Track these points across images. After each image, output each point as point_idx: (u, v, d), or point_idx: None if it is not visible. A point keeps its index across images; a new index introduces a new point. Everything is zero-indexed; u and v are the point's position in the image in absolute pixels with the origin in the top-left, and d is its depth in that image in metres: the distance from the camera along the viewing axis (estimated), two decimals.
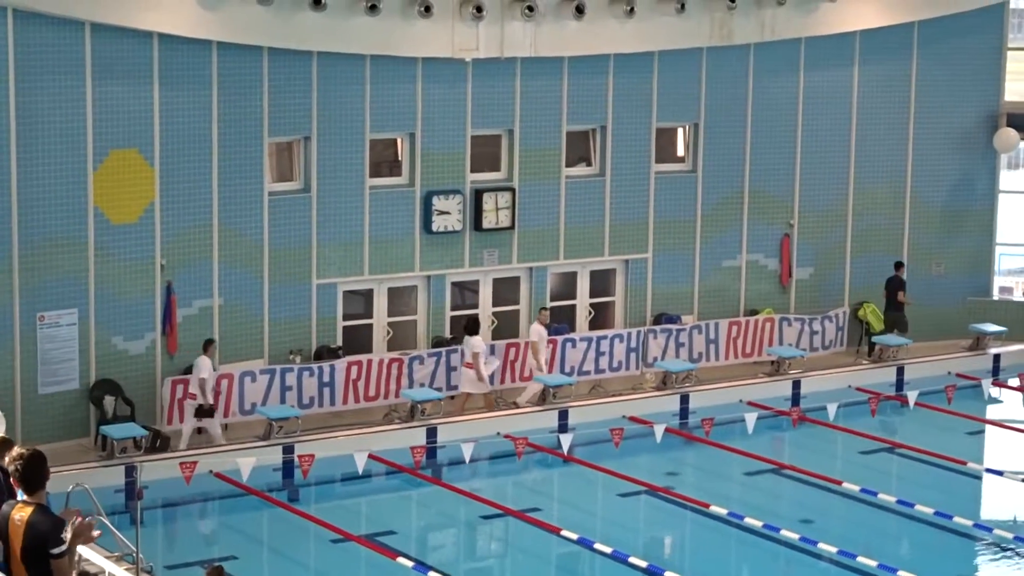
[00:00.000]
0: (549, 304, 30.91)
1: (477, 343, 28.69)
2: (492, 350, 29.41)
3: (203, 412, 26.30)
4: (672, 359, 31.11)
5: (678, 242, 32.26)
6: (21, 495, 11.53)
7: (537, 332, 29.46)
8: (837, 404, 28.31)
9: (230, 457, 24.72)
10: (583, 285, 31.78)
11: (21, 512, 11.04)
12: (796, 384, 30.79)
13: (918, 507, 23.96)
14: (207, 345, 26.75)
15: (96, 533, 12.29)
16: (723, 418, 27.63)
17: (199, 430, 26.36)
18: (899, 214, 34.42)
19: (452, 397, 28.72)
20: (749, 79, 32.48)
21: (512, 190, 30.29)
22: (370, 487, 25.74)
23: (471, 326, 29.02)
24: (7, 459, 11.81)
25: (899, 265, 34.02)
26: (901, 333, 33.19)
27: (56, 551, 10.90)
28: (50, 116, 25.42)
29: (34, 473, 11.25)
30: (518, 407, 28.93)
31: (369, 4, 27.50)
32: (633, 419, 27.91)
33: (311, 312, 28.66)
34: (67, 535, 10.99)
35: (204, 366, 26.39)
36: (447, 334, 29.91)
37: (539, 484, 26.28)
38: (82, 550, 16.02)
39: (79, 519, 11.85)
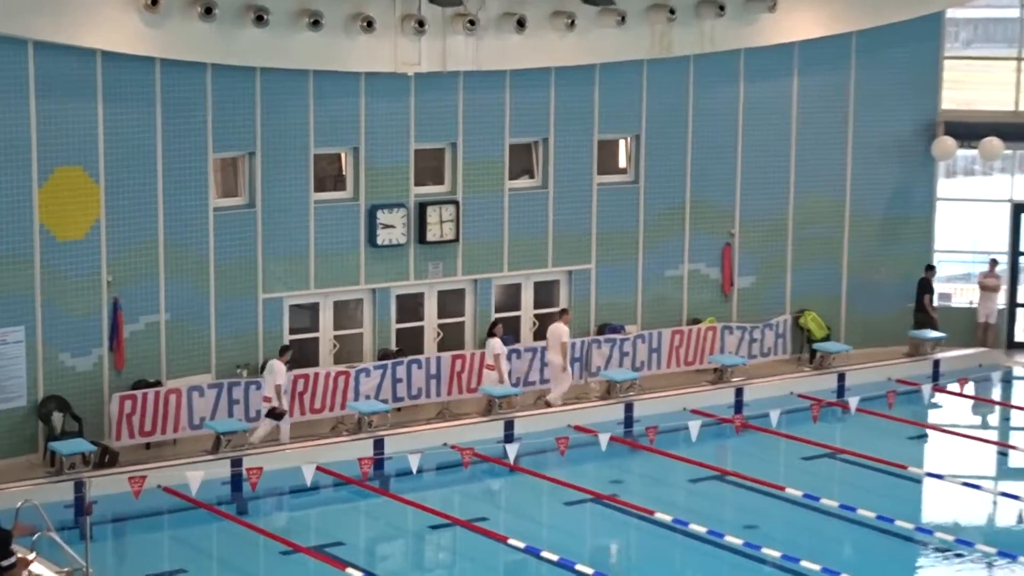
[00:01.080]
0: (495, 315, 31.11)
1: (497, 345, 29.31)
2: (437, 364, 29.57)
3: (275, 415, 26.96)
4: (616, 368, 31.28)
5: (621, 253, 32.40)
6: None
7: (564, 332, 30.04)
8: (779, 411, 28.54)
9: (179, 471, 24.77)
10: (527, 296, 31.90)
11: None
12: (739, 392, 31.03)
13: (860, 511, 24.13)
14: (283, 351, 27.45)
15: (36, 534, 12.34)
16: (667, 426, 27.81)
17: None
18: (839, 223, 34.65)
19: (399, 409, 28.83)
20: (690, 90, 32.66)
21: (456, 203, 30.41)
22: (318, 499, 25.77)
23: (491, 329, 29.84)
24: None
25: (929, 268, 34.52)
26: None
27: (5, 563, 10.99)
28: None
29: None
30: (550, 406, 29.74)
31: (312, 20, 27.58)
32: (578, 428, 28.05)
33: (258, 326, 28.70)
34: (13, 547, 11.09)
35: (280, 371, 27.11)
36: (393, 346, 30.00)
37: (486, 494, 26.38)
38: (33, 567, 16.11)
39: (24, 527, 11.93)
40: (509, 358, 30.00)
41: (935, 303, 34.75)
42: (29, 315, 26.10)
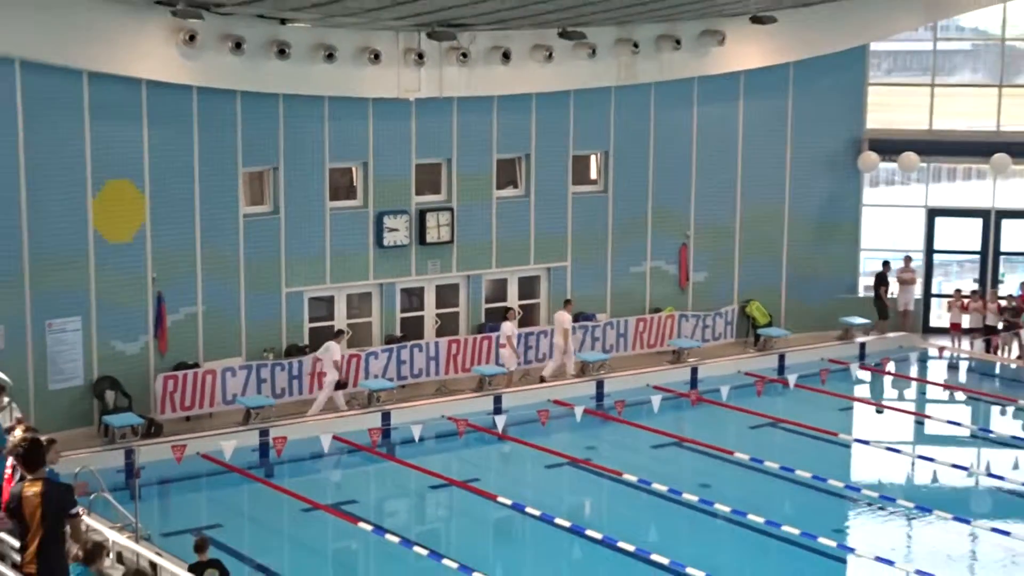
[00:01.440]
0: (485, 305, 31.12)
1: (508, 328, 29.81)
2: (435, 348, 29.55)
3: (341, 385, 27.47)
4: (589, 351, 31.27)
5: (592, 252, 32.36)
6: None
7: (567, 319, 30.41)
8: (728, 386, 28.58)
9: (214, 440, 24.75)
10: (513, 290, 31.84)
11: (33, 488, 11.07)
12: (694, 370, 31.01)
13: (798, 472, 24.18)
14: (339, 334, 28.34)
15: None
16: (633, 400, 27.82)
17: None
18: (779, 226, 34.63)
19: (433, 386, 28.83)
20: (651, 113, 32.62)
21: (451, 210, 30.35)
22: (334, 464, 25.75)
23: (506, 314, 30.39)
24: (14, 444, 11.80)
25: (885, 264, 34.80)
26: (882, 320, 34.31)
27: (73, 511, 10.99)
28: (54, 151, 25.32)
29: (34, 455, 11.28)
30: (544, 381, 29.93)
31: (327, 53, 27.57)
32: (557, 402, 28.02)
33: (281, 316, 28.64)
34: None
35: (336, 350, 27.65)
36: (397, 332, 29.96)
37: (478, 458, 26.30)
38: (89, 521, 16.07)
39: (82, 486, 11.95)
40: (496, 342, 30.08)
41: (891, 294, 34.95)
42: (85, 307, 26.05)
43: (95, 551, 13.48)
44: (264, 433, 25.70)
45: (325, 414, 27.17)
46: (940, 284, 36.44)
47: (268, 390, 27.60)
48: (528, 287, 32.08)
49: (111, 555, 16.57)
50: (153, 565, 16.07)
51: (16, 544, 12.30)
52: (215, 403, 27.17)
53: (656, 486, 23.52)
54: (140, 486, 20.47)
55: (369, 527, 21.90)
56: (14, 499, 11.20)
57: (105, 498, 18.98)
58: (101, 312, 26.26)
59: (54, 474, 12.89)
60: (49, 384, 25.63)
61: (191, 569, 16.45)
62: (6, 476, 14.83)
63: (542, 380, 29.85)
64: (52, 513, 10.90)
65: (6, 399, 18.18)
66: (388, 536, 21.42)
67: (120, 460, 23.93)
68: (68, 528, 11.11)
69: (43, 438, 12.18)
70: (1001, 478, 24.45)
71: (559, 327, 30.49)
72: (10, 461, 14.27)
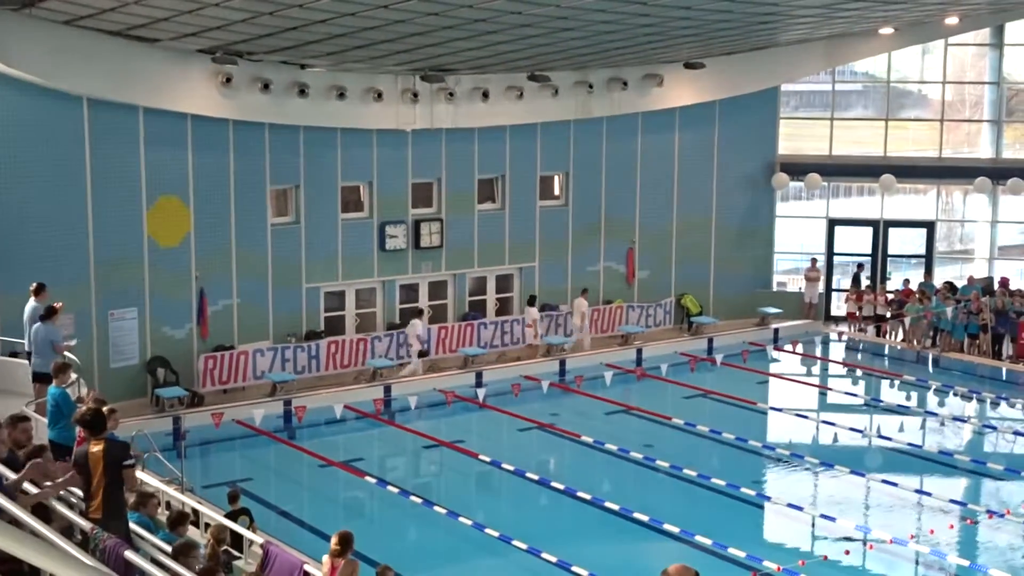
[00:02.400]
0: (468, 298, 30.98)
1: (533, 312, 30.55)
2: (428, 333, 29.40)
3: (423, 354, 28.57)
4: (553, 335, 31.16)
5: (556, 254, 32.23)
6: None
7: (585, 304, 31.11)
8: (667, 364, 28.55)
9: (247, 409, 24.60)
10: (491, 285, 31.73)
11: (97, 446, 10.94)
12: (639, 351, 30.88)
13: (724, 434, 24.16)
14: (419, 312, 29.22)
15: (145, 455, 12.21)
16: (589, 375, 27.79)
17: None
18: (707, 233, 34.59)
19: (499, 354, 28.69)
20: (603, 141, 32.53)
21: (441, 220, 30.20)
22: (345, 428, 25.56)
23: (530, 300, 30.96)
24: (81, 415, 11.63)
25: (859, 266, 34.77)
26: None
27: (127, 463, 10.92)
28: (115, 173, 25.19)
29: (98, 421, 11.18)
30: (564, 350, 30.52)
31: (339, 93, 27.45)
32: (527, 377, 27.88)
33: (302, 307, 28.46)
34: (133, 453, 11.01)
35: (419, 325, 28.59)
36: (397, 320, 29.79)
37: (463, 424, 26.21)
38: (141, 475, 15.88)
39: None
40: (479, 328, 29.96)
41: (799, 288, 35.14)
42: (140, 300, 25.89)
43: (144, 499, 13.34)
44: (288, 403, 25.56)
45: (338, 387, 27.00)
46: (839, 281, 36.45)
47: (291, 367, 27.41)
48: (504, 283, 31.95)
49: (160, 503, 16.40)
50: (195, 511, 15.88)
51: (81, 495, 12.14)
52: (247, 378, 26.99)
53: (608, 446, 23.48)
54: (185, 447, 20.37)
55: (373, 480, 21.80)
56: (81, 456, 11.09)
57: (156, 457, 18.80)
58: (154, 304, 26.09)
59: (113, 436, 12.76)
60: (110, 363, 25.47)
61: (227, 516, 16.27)
62: (78, 440, 14.64)
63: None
64: (111, 464, 10.81)
65: (73, 375, 17.96)
66: (389, 487, 21.31)
67: (169, 426, 23.82)
68: (124, 477, 11.04)
69: (104, 408, 12.06)
70: (888, 439, 24.42)
71: (577, 311, 30.81)
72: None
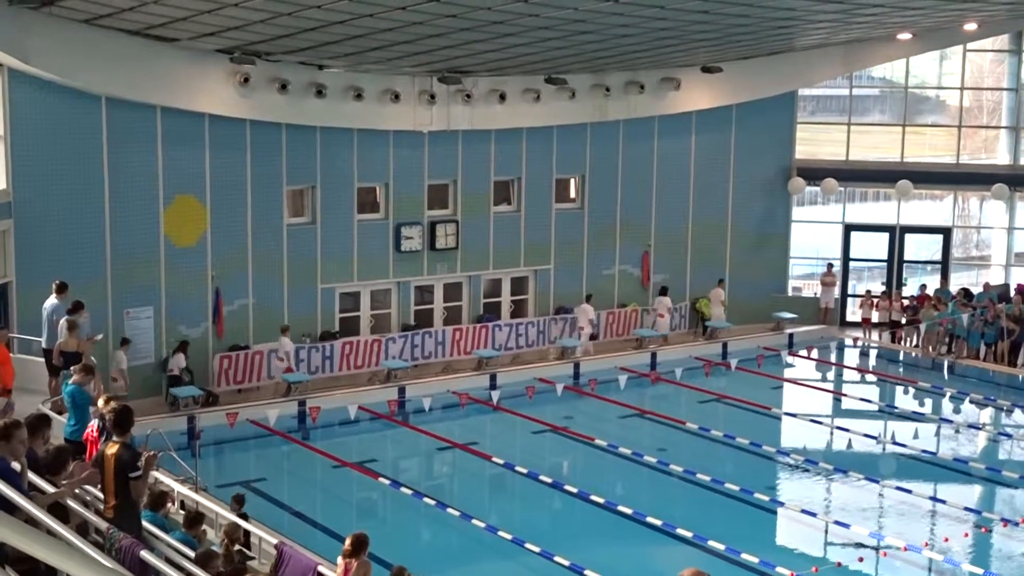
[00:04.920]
0: (483, 300, 30.96)
1: (589, 309, 30.93)
2: (443, 335, 29.42)
3: (594, 336, 30.39)
4: (568, 338, 31.14)
5: (571, 257, 32.20)
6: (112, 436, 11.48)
7: (590, 310, 31.16)
8: (682, 368, 28.59)
9: (261, 409, 24.65)
10: (506, 287, 31.69)
11: (112, 448, 10.97)
12: (653, 355, 30.89)
13: (738, 439, 24.17)
14: (588, 298, 30.82)
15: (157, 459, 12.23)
16: (603, 379, 27.84)
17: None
18: (723, 237, 34.53)
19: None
20: (620, 144, 32.50)
21: (456, 222, 30.20)
22: (359, 429, 25.63)
23: (662, 291, 32.22)
24: (105, 410, 11.68)
25: (829, 266, 34.81)
26: None
27: (133, 475, 10.86)
28: (133, 171, 25.28)
29: (124, 420, 11.20)
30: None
31: (356, 94, 27.47)
32: (541, 380, 27.87)
33: (317, 307, 28.49)
34: (142, 464, 10.94)
35: (590, 310, 30.51)
36: (412, 321, 29.82)
37: (476, 426, 26.24)
38: (156, 475, 15.93)
39: (151, 454, 11.80)
40: (493, 331, 29.99)
41: (814, 293, 35.06)
42: (156, 298, 25.95)
43: (160, 499, 13.37)
44: (302, 403, 25.64)
45: (352, 388, 27.03)
46: (855, 286, 36.39)
47: (305, 368, 27.44)
48: (519, 285, 31.92)
49: (175, 502, 16.45)
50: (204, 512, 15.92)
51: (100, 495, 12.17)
52: (262, 378, 27.04)
53: (622, 450, 23.49)
54: (200, 446, 20.39)
55: (387, 481, 21.84)
56: (99, 455, 11.15)
57: (171, 455, 18.85)
58: (170, 303, 26.15)
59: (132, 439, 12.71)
60: (127, 361, 25.43)
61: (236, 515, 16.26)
62: (94, 435, 14.68)
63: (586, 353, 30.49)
64: (119, 471, 10.82)
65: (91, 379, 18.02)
66: (403, 489, 21.35)
67: (184, 425, 23.85)
68: (131, 487, 10.98)
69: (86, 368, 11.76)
70: (903, 445, 24.40)
71: (583, 316, 30.90)
72: (95, 422, 14.13)
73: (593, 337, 31.10)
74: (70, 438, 14.79)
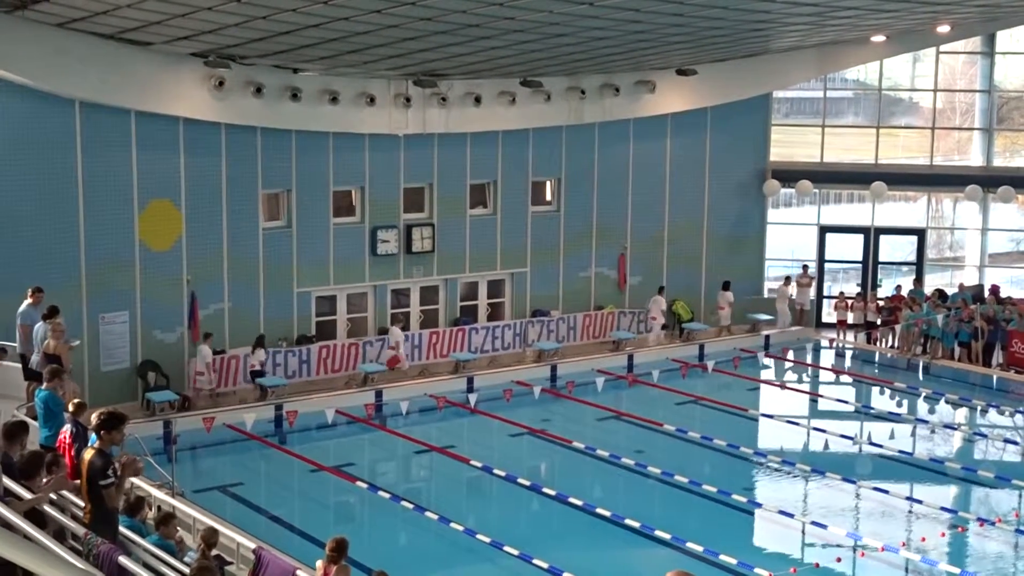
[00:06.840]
0: (460, 303, 30.95)
1: (661, 301, 32.54)
2: (419, 338, 29.39)
3: (664, 327, 31.57)
4: (544, 341, 31.14)
5: (547, 260, 32.24)
6: (93, 441, 11.39)
7: (661, 302, 32.55)
8: (658, 370, 28.61)
9: (237, 413, 24.54)
10: (483, 290, 31.69)
11: (88, 454, 10.91)
12: (630, 357, 30.92)
13: (715, 440, 24.18)
14: (660, 290, 32.49)
15: (140, 466, 12.13)
16: (580, 381, 27.80)
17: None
18: (698, 240, 34.62)
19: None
20: (595, 147, 32.55)
21: (432, 225, 30.18)
22: (336, 433, 25.52)
23: (660, 291, 32.80)
24: (92, 416, 11.51)
25: (805, 267, 35.00)
26: None
27: (104, 483, 10.74)
28: (107, 176, 25.17)
29: (104, 424, 11.06)
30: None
31: (331, 97, 27.43)
32: (519, 383, 27.91)
33: (293, 311, 28.43)
34: (115, 470, 10.82)
35: (662, 301, 31.98)
36: (388, 324, 29.72)
37: (454, 429, 26.18)
38: (132, 480, 15.83)
39: (127, 458, 11.67)
40: (470, 334, 29.89)
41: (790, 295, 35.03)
42: (131, 303, 25.83)
43: (137, 505, 13.30)
44: (279, 407, 25.50)
45: (329, 392, 26.95)
46: (829, 287, 36.50)
47: (282, 372, 27.37)
48: (495, 288, 31.91)
49: (151, 507, 16.35)
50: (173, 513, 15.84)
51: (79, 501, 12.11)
52: (238, 382, 26.94)
53: (600, 452, 23.47)
54: (176, 451, 20.26)
55: (365, 485, 21.76)
56: (77, 460, 11.09)
57: (147, 460, 18.74)
58: (145, 307, 26.04)
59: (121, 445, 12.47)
60: (101, 366, 25.43)
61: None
62: (68, 441, 14.56)
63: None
64: (90, 479, 10.74)
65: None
66: (380, 492, 21.28)
67: (160, 429, 23.74)
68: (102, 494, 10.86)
69: (104, 413, 11.55)
70: (879, 446, 24.46)
71: (655, 307, 32.28)
72: (68, 427, 13.94)
73: (664, 327, 32.40)
74: (46, 444, 14.69)
